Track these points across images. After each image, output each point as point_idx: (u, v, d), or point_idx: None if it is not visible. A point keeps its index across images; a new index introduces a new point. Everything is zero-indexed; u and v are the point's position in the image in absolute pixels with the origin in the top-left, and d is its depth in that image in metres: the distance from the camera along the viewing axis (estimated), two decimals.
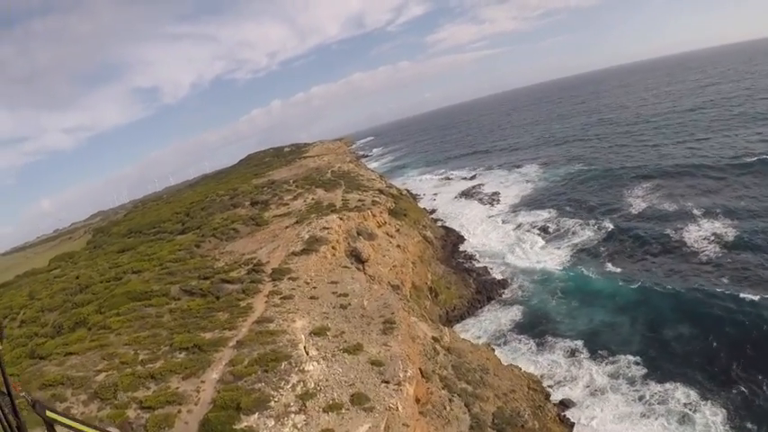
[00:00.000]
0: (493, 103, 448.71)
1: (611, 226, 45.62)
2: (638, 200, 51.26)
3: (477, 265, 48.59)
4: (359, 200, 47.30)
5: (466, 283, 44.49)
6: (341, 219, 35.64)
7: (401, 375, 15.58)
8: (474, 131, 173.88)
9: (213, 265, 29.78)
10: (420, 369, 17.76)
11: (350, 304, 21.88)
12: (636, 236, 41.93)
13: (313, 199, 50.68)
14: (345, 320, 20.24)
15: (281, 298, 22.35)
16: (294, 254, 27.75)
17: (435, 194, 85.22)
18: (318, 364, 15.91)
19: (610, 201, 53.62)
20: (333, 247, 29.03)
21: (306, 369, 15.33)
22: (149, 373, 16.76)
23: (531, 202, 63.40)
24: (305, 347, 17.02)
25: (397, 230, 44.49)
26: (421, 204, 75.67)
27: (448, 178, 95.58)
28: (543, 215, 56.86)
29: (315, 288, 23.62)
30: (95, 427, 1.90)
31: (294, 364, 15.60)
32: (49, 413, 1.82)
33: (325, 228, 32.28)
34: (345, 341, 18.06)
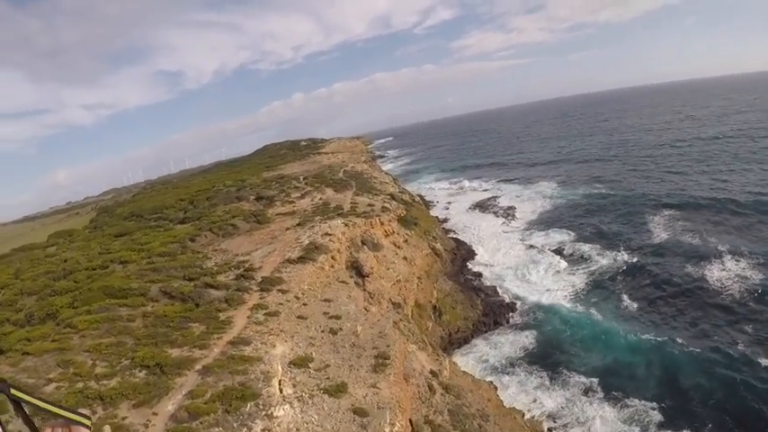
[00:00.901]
0: (515, 113, 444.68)
1: (629, 256, 42.98)
2: (658, 229, 48.36)
3: (487, 283, 46.30)
4: (368, 204, 44.87)
5: (473, 304, 42.10)
6: (346, 225, 33.16)
7: (387, 431, 13.08)
8: (493, 141, 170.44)
9: (202, 263, 27.51)
10: (410, 420, 15.19)
11: (341, 329, 19.37)
12: (655, 270, 39.15)
13: (321, 199, 48.38)
14: (333, 350, 17.75)
15: (265, 314, 19.90)
16: (289, 261, 25.27)
17: (449, 203, 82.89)
18: (291, 407, 13.42)
19: (629, 228, 50.71)
20: (332, 258, 26.48)
21: (275, 414, 12.85)
22: (99, 394, 14.48)
23: (547, 222, 60.84)
24: (280, 383, 14.55)
25: (406, 241, 41.93)
26: (433, 212, 73.19)
27: (463, 188, 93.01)
28: (559, 237, 54.49)
29: (305, 305, 21.10)
30: (63, 408, 1.72)
31: (262, 407, 13.12)
32: (14, 391, 1.65)
33: (327, 234, 29.79)
34: (329, 378, 15.57)
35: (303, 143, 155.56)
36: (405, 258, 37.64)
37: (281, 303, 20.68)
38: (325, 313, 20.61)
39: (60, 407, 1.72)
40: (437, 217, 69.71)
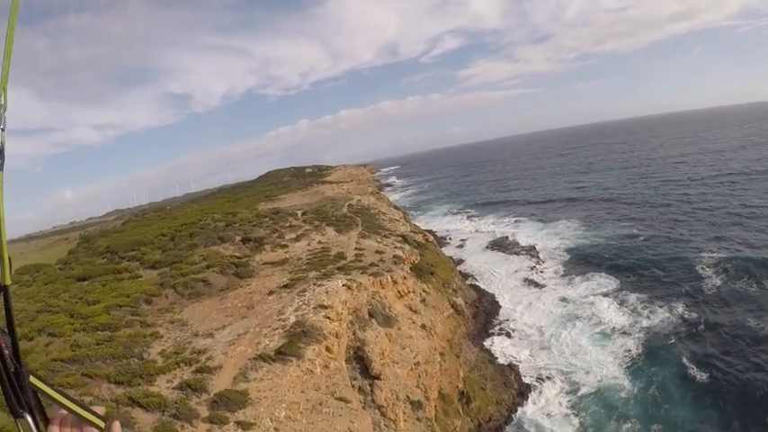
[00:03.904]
0: (522, 143, 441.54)
1: (684, 309, 37.07)
2: (706, 274, 41.99)
3: (520, 348, 38.92)
4: (377, 251, 36.91)
5: (506, 380, 34.19)
6: (348, 288, 25.08)
7: None
8: (503, 173, 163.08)
9: (144, 350, 19.47)
10: None
11: None
12: (717, 324, 33.64)
13: (320, 242, 40.50)
14: None
15: None
16: (263, 357, 17.05)
17: (463, 240, 75.45)
18: None
19: (674, 274, 43.94)
20: (327, 349, 18.28)
21: None
22: None
23: (577, 266, 53.75)
24: None
25: (423, 300, 33.78)
26: (446, 251, 65.36)
27: (476, 224, 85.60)
28: (596, 286, 47.64)
29: None
30: (79, 403, 1.64)
31: None
32: (33, 379, 1.55)
33: (322, 306, 21.75)
34: None
35: (308, 170, 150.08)
36: (423, 327, 29.48)
37: None
38: None
39: (76, 402, 1.62)
40: (451, 258, 61.87)
